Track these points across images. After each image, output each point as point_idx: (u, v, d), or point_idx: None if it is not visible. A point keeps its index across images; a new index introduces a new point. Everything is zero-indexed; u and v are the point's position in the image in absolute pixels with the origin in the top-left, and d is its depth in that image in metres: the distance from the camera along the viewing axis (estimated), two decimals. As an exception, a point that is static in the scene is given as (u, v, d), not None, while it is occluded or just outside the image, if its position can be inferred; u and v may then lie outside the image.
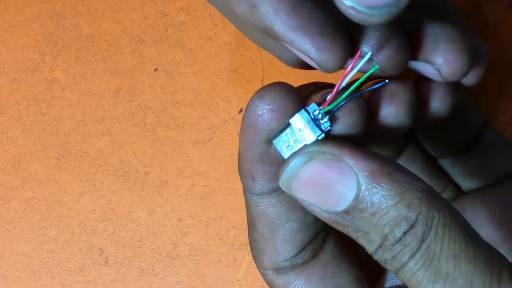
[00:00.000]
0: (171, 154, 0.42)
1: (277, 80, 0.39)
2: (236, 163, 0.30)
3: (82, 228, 0.43)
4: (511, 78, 0.43)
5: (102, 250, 0.43)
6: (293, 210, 0.30)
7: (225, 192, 0.41)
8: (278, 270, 0.31)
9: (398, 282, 0.35)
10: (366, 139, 0.31)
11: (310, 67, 0.32)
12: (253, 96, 0.28)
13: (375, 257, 0.27)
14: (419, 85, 0.33)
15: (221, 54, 0.43)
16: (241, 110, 0.42)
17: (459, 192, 0.37)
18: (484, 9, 0.44)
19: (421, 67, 0.33)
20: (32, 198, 0.44)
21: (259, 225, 0.30)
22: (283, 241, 0.30)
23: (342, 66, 0.30)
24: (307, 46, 0.30)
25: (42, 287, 0.43)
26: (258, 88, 0.39)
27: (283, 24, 0.30)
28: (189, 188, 0.42)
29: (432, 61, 0.32)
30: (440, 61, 0.32)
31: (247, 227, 0.32)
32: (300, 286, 0.31)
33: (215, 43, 0.43)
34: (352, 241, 0.30)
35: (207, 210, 0.42)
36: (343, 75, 0.28)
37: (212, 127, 0.42)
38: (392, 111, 0.30)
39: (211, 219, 0.43)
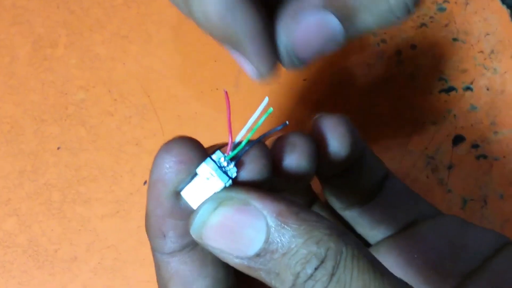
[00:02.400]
0: (79, 230, 0.41)
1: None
2: (145, 234, 0.30)
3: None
4: (404, 130, 0.43)
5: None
6: (205, 266, 0.30)
7: (135, 264, 0.40)
8: None
9: None
10: (275, 191, 0.30)
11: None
12: (159, 150, 0.28)
13: None
14: (317, 130, 0.33)
15: (122, 128, 0.43)
16: (145, 182, 0.42)
17: (366, 245, 0.37)
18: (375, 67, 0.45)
19: None
20: None
21: (172, 286, 0.30)
22: None
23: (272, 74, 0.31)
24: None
25: None
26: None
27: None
28: (99, 263, 0.41)
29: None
30: None
31: (159, 297, 0.32)
32: None
33: (116, 118, 0.43)
34: None
35: (118, 283, 0.41)
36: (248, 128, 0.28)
37: (118, 200, 0.42)
38: (294, 160, 0.30)
39: None
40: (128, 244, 0.39)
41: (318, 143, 0.32)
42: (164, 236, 0.29)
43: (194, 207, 0.28)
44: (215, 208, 0.27)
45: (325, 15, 0.32)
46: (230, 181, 0.28)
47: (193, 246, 0.30)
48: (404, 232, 0.37)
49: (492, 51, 0.42)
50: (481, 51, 0.43)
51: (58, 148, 0.43)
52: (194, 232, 0.27)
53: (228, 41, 0.32)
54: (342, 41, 0.33)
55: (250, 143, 0.29)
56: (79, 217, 0.42)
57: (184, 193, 0.28)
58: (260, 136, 0.29)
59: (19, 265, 0.42)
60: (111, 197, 0.42)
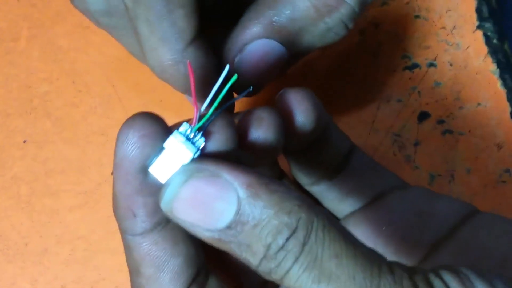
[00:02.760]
0: (49, 222, 0.41)
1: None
2: (115, 224, 0.30)
3: None
4: (369, 109, 0.43)
5: None
6: (176, 244, 0.30)
7: (106, 253, 0.40)
8: None
9: None
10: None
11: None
12: (121, 126, 0.28)
13: (260, 270, 0.27)
14: (283, 105, 0.33)
15: (88, 119, 0.43)
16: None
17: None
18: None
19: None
20: None
21: (144, 268, 0.30)
22: (171, 280, 0.30)
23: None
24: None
25: None
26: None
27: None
28: (69, 254, 0.41)
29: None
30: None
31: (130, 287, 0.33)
32: None
33: (81, 109, 0.43)
34: (234, 276, 0.35)
35: (89, 273, 0.41)
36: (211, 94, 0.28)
37: (86, 191, 0.42)
38: (261, 135, 0.31)
39: (94, 282, 0.41)
40: (98, 234, 0.39)
41: (284, 117, 0.32)
42: (134, 215, 0.29)
43: (163, 182, 0.28)
44: (185, 181, 0.27)
45: (267, 42, 0.35)
46: (199, 152, 0.28)
47: (164, 224, 0.30)
48: (372, 205, 0.37)
49: (454, 27, 0.43)
50: (443, 27, 0.43)
51: (24, 142, 0.43)
52: (164, 206, 0.27)
53: (184, 90, 0.34)
54: (288, 62, 0.37)
55: (216, 112, 0.28)
56: (48, 210, 0.42)
57: (152, 169, 0.28)
58: (225, 105, 0.29)
59: None
60: (79, 189, 0.42)
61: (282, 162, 0.39)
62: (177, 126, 0.28)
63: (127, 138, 0.28)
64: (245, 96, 0.32)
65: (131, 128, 0.28)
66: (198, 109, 0.28)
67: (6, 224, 0.42)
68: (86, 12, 0.38)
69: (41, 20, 0.44)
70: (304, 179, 0.38)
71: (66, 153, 0.42)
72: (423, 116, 0.42)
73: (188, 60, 0.33)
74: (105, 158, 0.42)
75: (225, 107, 0.29)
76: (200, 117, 0.28)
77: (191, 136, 0.28)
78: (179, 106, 0.42)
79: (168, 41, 0.34)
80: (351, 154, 0.38)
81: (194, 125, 0.28)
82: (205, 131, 0.28)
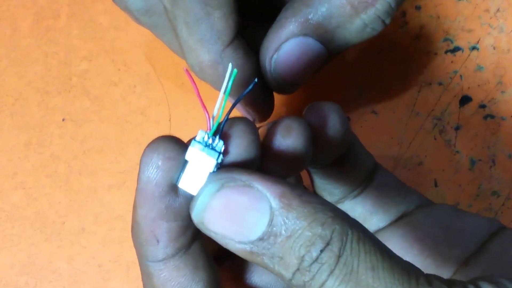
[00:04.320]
0: (86, 201, 0.41)
1: (184, 120, 0.39)
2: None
3: (3, 285, 0.42)
4: (410, 92, 0.43)
5: None
6: (197, 270, 0.30)
7: (143, 233, 0.40)
8: None
9: None
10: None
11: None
12: (145, 151, 0.27)
13: (293, 284, 0.26)
14: (312, 117, 0.33)
15: (126, 98, 0.42)
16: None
17: None
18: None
19: None
20: None
21: None
22: None
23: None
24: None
25: None
26: (166, 128, 0.41)
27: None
28: (106, 233, 0.41)
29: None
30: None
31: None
32: None
33: (120, 88, 0.42)
34: None
35: (126, 253, 0.41)
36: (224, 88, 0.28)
37: (124, 170, 0.42)
38: (290, 144, 0.30)
39: (131, 262, 0.42)
40: None
41: (312, 130, 0.32)
42: (158, 241, 0.29)
43: (194, 193, 0.28)
44: (217, 191, 0.27)
45: (304, 39, 0.35)
46: (221, 156, 0.28)
47: (186, 250, 0.29)
48: (398, 222, 0.37)
49: (498, 10, 0.42)
50: (487, 10, 0.42)
51: (63, 120, 0.43)
52: (195, 217, 0.27)
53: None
54: (325, 59, 0.37)
55: (228, 111, 0.28)
56: (85, 189, 0.42)
57: (181, 184, 0.28)
58: (235, 101, 0.28)
59: (27, 238, 0.42)
60: (117, 168, 0.42)
61: (305, 180, 0.38)
62: (193, 137, 0.29)
63: (152, 161, 0.28)
64: (252, 88, 0.31)
65: (155, 151, 0.27)
66: (209, 113, 0.28)
67: (44, 202, 0.42)
68: (126, 10, 0.38)
69: None
70: (327, 197, 0.37)
71: (105, 132, 0.43)
72: (465, 100, 0.42)
73: (184, 68, 0.32)
74: (143, 137, 0.41)
75: (234, 105, 0.28)
76: (214, 119, 0.28)
77: (210, 141, 0.27)
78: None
79: (207, 43, 0.35)
80: (375, 172, 0.37)
81: (209, 130, 0.28)
82: (221, 134, 0.28)
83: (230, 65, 0.28)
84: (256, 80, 0.30)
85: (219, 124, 0.28)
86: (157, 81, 0.43)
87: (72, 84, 0.43)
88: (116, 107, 0.43)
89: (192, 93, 0.42)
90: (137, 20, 0.38)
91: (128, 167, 0.43)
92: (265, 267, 0.27)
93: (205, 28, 0.34)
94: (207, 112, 0.28)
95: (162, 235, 0.28)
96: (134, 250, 0.38)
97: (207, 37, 0.34)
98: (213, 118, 0.28)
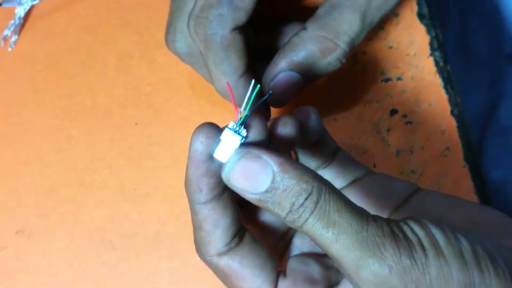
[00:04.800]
0: (150, 176, 0.46)
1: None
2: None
3: (99, 229, 0.46)
4: (358, 107, 0.47)
5: (113, 244, 0.45)
6: (226, 210, 0.33)
7: (185, 198, 0.38)
8: (220, 254, 0.33)
9: (297, 252, 0.38)
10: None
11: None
12: (194, 132, 0.31)
13: (286, 220, 0.30)
14: (299, 115, 0.36)
15: (176, 110, 0.47)
16: None
17: None
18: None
19: None
20: (63, 212, 0.46)
21: (205, 226, 0.32)
22: (222, 234, 0.33)
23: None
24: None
25: (78, 270, 0.45)
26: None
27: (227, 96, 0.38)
28: (163, 197, 0.46)
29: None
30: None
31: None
32: (236, 260, 0.33)
33: (172, 103, 0.48)
34: (260, 231, 0.37)
35: (176, 209, 0.45)
36: (245, 102, 0.31)
37: (175, 156, 0.46)
38: (287, 132, 0.33)
39: (178, 214, 0.45)
40: (182, 183, 0.37)
41: (300, 124, 0.34)
42: (201, 190, 0.32)
43: (224, 161, 0.30)
44: (238, 160, 0.30)
45: (290, 73, 0.39)
46: (243, 138, 0.30)
47: (219, 197, 0.32)
48: (352, 184, 0.38)
49: (415, 54, 0.47)
50: (408, 54, 0.47)
51: (136, 124, 0.47)
52: (224, 176, 0.30)
53: (237, 104, 0.35)
54: (303, 85, 0.39)
55: (250, 111, 0.31)
56: (150, 168, 0.46)
57: (215, 154, 0.30)
58: (255, 105, 0.31)
59: (112, 199, 0.46)
60: (171, 155, 0.46)
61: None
62: (226, 125, 0.31)
63: (198, 138, 0.31)
64: (265, 101, 0.37)
65: (200, 132, 0.31)
66: (239, 111, 0.31)
67: (122, 176, 0.46)
68: (175, 53, 0.42)
69: (147, 45, 0.48)
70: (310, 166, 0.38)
71: (162, 132, 0.47)
72: (393, 112, 0.47)
73: (226, 81, 0.38)
74: (187, 135, 0.40)
75: (255, 108, 0.31)
76: (241, 116, 0.31)
77: (237, 129, 0.31)
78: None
79: (227, 75, 0.38)
80: (337, 152, 0.39)
81: (237, 122, 0.31)
82: (245, 125, 0.31)
83: (253, 81, 0.32)
84: (271, 92, 0.37)
85: (244, 118, 0.30)
86: (195, 99, 0.47)
87: (142, 100, 0.47)
88: (169, 116, 0.47)
89: (218, 108, 0.46)
90: (183, 59, 0.42)
91: (177, 154, 0.46)
92: (268, 210, 0.30)
93: (226, 66, 0.38)
94: (237, 110, 0.31)
95: (204, 187, 0.32)
96: (180, 207, 0.44)
97: (227, 71, 0.38)
98: (240, 115, 0.31)
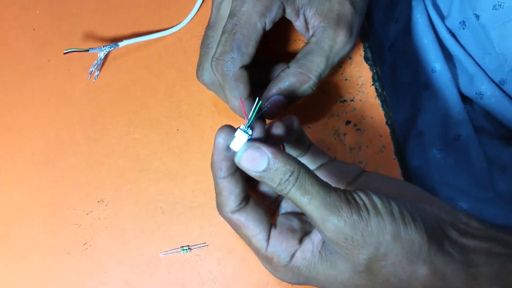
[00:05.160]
0: (187, 164, 0.46)
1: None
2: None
3: (153, 200, 0.45)
4: (324, 120, 0.46)
5: (162, 209, 0.45)
6: (237, 183, 0.33)
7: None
8: (233, 212, 0.33)
9: (283, 211, 0.37)
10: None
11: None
12: (217, 131, 0.31)
13: (277, 190, 0.30)
14: (286, 121, 0.36)
15: (204, 121, 0.47)
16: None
17: None
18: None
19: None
20: (129, 188, 0.46)
21: (223, 193, 0.33)
22: (235, 198, 0.33)
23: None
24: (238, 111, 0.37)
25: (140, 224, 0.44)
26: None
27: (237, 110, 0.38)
28: (196, 178, 0.45)
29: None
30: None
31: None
32: (243, 216, 0.33)
33: (202, 117, 0.48)
34: (260, 197, 0.37)
35: (204, 187, 0.44)
36: (251, 113, 0.31)
37: (205, 151, 0.46)
38: (279, 132, 0.34)
39: (205, 191, 0.45)
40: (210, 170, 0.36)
41: (287, 126, 0.35)
42: (221, 169, 0.32)
43: (236, 150, 0.31)
44: (246, 149, 0.31)
45: (279, 97, 0.38)
46: (249, 136, 0.31)
47: (232, 175, 0.32)
48: (319, 168, 0.38)
49: (362, 84, 0.47)
50: (357, 84, 0.47)
51: (177, 130, 0.48)
52: (236, 160, 0.31)
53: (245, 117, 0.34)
54: (287, 106, 0.38)
55: (254, 118, 0.31)
56: (187, 159, 0.47)
57: (231, 146, 0.31)
58: (258, 114, 0.32)
59: (160, 179, 0.45)
60: (201, 150, 0.47)
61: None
62: (238, 127, 0.31)
63: (220, 135, 0.31)
64: (263, 113, 0.36)
65: (221, 131, 0.31)
66: (247, 117, 0.32)
67: (168, 165, 0.46)
68: (203, 83, 0.41)
69: (185, 78, 0.48)
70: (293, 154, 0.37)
71: (195, 136, 0.47)
72: (348, 122, 0.47)
73: (240, 98, 0.37)
74: (211, 138, 0.36)
75: (257, 117, 0.32)
76: (249, 120, 0.32)
77: (245, 130, 0.31)
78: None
79: (237, 98, 0.38)
80: (310, 146, 0.38)
81: (246, 125, 0.31)
82: (251, 127, 0.31)
83: (257, 99, 0.32)
84: (267, 107, 0.37)
85: (250, 123, 0.31)
86: (217, 113, 0.47)
87: (181, 114, 0.47)
88: (199, 125, 0.47)
89: (231, 118, 0.45)
90: (208, 88, 0.42)
91: (204, 150, 0.46)
92: (265, 183, 0.31)
93: (236, 92, 0.38)
94: (246, 117, 0.32)
95: (223, 167, 0.32)
96: (207, 185, 0.43)
97: (237, 95, 0.38)
98: (248, 120, 0.31)
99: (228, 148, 0.31)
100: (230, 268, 0.40)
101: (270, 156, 0.30)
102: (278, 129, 0.33)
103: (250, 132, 0.31)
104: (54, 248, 0.42)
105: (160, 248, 0.42)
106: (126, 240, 0.42)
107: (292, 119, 0.36)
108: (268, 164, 0.30)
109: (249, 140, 0.31)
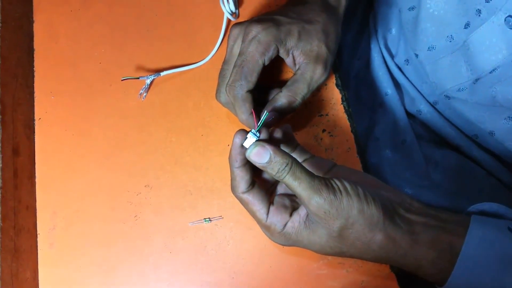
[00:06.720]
0: (212, 158, 0.46)
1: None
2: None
3: (184, 185, 0.45)
4: (305, 129, 0.45)
5: (190, 192, 0.44)
6: (247, 171, 0.33)
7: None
8: (243, 192, 0.33)
9: (278, 193, 0.36)
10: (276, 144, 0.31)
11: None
12: (235, 134, 0.32)
13: (275, 176, 0.30)
14: (283, 129, 0.35)
15: (222, 128, 0.46)
16: (228, 144, 0.45)
17: None
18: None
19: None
20: (167, 176, 0.45)
21: (237, 178, 0.33)
22: (245, 182, 0.33)
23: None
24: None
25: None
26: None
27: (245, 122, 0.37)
28: (218, 171, 0.45)
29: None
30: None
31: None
32: (250, 196, 0.33)
33: (220, 126, 0.47)
34: (262, 182, 0.36)
35: (222, 176, 0.44)
36: (260, 120, 0.31)
37: (223, 151, 0.45)
38: (278, 136, 0.34)
39: (222, 178, 0.44)
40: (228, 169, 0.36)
41: (283, 132, 0.35)
42: (236, 161, 0.32)
43: (247, 146, 0.31)
44: (254, 147, 0.31)
45: (273, 113, 0.38)
46: (257, 138, 0.32)
47: (244, 165, 0.32)
48: (304, 161, 0.37)
49: (334, 103, 0.46)
50: (330, 103, 0.47)
51: (202, 135, 0.47)
52: (247, 155, 0.31)
53: (251, 126, 0.36)
54: (279, 119, 0.38)
55: (260, 124, 0.32)
56: (210, 155, 0.46)
57: (244, 144, 0.32)
58: (264, 122, 0.32)
59: (189, 171, 0.44)
60: (219, 150, 0.46)
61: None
62: (249, 130, 0.32)
63: (236, 136, 0.32)
64: (267, 121, 0.36)
65: (238, 134, 0.32)
66: (256, 123, 0.32)
67: (196, 160, 0.46)
68: (220, 102, 0.40)
69: (207, 98, 0.47)
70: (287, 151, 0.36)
71: (216, 139, 0.46)
72: (324, 130, 0.44)
73: (251, 109, 0.36)
74: (228, 141, 0.45)
75: (263, 123, 0.32)
76: (257, 125, 0.32)
77: (255, 133, 0.32)
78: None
79: (244, 113, 0.37)
80: (297, 145, 0.38)
81: (255, 130, 0.32)
82: (258, 131, 0.32)
83: (265, 111, 0.33)
84: (273, 116, 0.36)
85: (258, 128, 0.31)
86: (230, 124, 0.46)
87: (205, 124, 0.47)
88: (217, 132, 0.47)
89: (240, 128, 0.42)
90: (223, 105, 0.41)
91: (222, 150, 0.46)
92: (267, 172, 0.31)
93: (244, 109, 0.37)
94: (256, 123, 0.32)
95: (238, 159, 0.32)
96: (225, 175, 0.42)
97: (244, 111, 0.37)
98: (257, 125, 0.31)
99: (242, 146, 0.32)
100: (239, 234, 0.40)
101: (271, 152, 0.31)
102: (277, 134, 0.35)
103: (258, 134, 0.32)
104: (113, 219, 0.42)
105: (189, 219, 0.42)
106: (165, 213, 0.42)
107: (287, 127, 0.36)
108: (270, 158, 0.31)
109: (257, 140, 0.31)
